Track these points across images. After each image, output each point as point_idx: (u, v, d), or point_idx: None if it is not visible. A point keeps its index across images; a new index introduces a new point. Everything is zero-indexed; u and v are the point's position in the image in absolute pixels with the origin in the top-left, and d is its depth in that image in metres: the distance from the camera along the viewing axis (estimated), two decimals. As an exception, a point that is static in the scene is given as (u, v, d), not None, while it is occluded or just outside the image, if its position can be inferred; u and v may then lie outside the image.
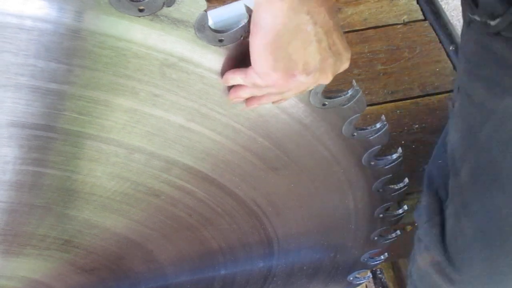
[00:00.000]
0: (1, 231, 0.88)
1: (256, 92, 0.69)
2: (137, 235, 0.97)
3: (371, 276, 1.41)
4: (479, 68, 0.81)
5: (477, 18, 0.76)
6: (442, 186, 1.01)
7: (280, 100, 0.73)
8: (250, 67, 0.65)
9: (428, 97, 1.53)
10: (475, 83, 0.82)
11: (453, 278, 0.95)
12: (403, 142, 1.41)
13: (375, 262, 1.31)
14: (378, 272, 1.45)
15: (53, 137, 0.73)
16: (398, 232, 1.20)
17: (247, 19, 0.66)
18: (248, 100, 0.73)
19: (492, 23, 0.73)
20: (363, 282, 1.39)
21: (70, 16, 0.60)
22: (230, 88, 0.72)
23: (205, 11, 0.63)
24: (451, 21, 1.69)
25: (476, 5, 0.74)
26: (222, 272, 1.16)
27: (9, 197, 0.81)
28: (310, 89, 0.73)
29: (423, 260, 1.03)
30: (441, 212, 0.99)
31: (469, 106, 0.84)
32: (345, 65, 0.67)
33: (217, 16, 0.66)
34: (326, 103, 0.81)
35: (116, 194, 0.86)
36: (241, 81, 0.68)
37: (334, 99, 0.82)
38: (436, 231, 0.98)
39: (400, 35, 1.67)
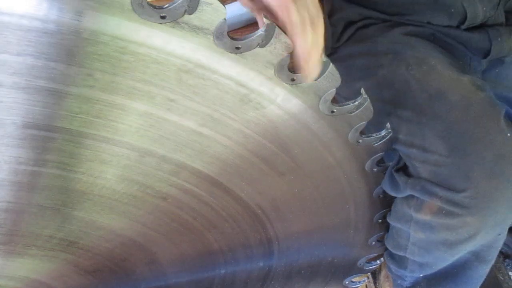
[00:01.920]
0: (8, 231, 0.88)
1: None
2: (142, 237, 0.98)
3: (371, 277, 1.43)
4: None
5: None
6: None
7: None
8: None
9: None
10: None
11: (461, 202, 0.92)
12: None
13: (371, 267, 1.33)
14: (378, 272, 1.47)
15: (67, 139, 0.74)
16: (395, 237, 1.21)
17: (265, 29, 0.68)
18: None
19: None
20: (358, 286, 1.41)
21: (93, 21, 0.60)
22: None
23: (225, 19, 0.65)
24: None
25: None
26: (222, 272, 1.17)
27: (20, 198, 0.81)
28: None
29: (423, 217, 0.99)
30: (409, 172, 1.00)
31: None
32: None
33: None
34: (335, 110, 0.83)
35: (124, 197, 0.87)
36: None
37: (343, 107, 0.84)
38: (424, 177, 0.96)
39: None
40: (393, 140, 0.98)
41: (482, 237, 0.97)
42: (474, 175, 0.90)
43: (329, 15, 1.08)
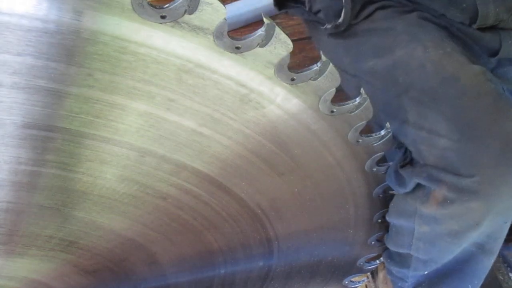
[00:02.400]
0: (8, 231, 0.88)
1: None
2: (141, 237, 0.98)
3: (370, 276, 1.43)
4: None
5: (328, 26, 1.11)
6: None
7: None
8: None
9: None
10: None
11: (466, 187, 0.92)
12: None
13: (371, 266, 1.33)
14: (376, 274, 1.47)
15: (67, 139, 0.74)
16: (395, 237, 1.21)
17: (265, 28, 0.68)
18: None
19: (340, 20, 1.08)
20: (358, 286, 1.41)
21: (93, 21, 0.61)
22: None
23: (225, 19, 0.65)
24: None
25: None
26: (222, 272, 1.17)
27: (20, 198, 0.81)
28: None
29: (429, 208, 1.00)
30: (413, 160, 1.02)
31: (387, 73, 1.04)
32: None
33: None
34: (334, 110, 0.83)
35: (124, 197, 0.87)
36: None
37: (343, 106, 0.84)
38: (431, 163, 0.97)
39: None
40: (403, 121, 0.99)
41: (487, 224, 0.98)
42: (481, 160, 0.91)
43: None
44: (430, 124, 0.95)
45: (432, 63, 0.98)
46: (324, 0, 1.14)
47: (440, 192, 0.96)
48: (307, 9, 1.22)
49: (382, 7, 1.10)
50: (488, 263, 1.10)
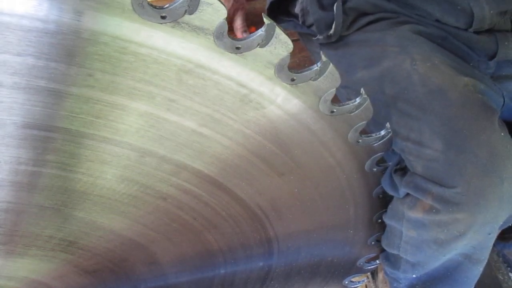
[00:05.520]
0: (8, 231, 0.88)
1: None
2: (142, 238, 0.98)
3: (370, 277, 1.43)
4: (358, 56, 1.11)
5: (320, 37, 1.15)
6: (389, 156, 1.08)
7: None
8: None
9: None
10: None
11: (451, 198, 0.92)
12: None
13: (371, 267, 1.33)
14: (376, 275, 1.47)
15: (67, 140, 0.74)
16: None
17: (265, 29, 0.68)
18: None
19: (331, 31, 1.11)
20: (358, 286, 1.41)
21: (93, 22, 0.61)
22: None
23: (225, 19, 0.65)
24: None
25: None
26: (222, 272, 1.17)
27: (20, 198, 0.81)
28: None
29: (415, 215, 1.00)
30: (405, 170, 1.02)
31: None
32: None
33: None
34: (335, 110, 0.83)
35: (124, 197, 0.87)
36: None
37: (343, 107, 0.84)
38: (418, 172, 0.97)
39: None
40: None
41: (472, 236, 0.98)
42: (467, 171, 0.91)
43: (343, 2, 1.10)
44: (417, 135, 0.95)
45: (419, 75, 0.98)
46: (317, 12, 1.15)
47: (426, 202, 0.96)
48: (300, 22, 1.23)
49: (375, 20, 1.11)
50: (477, 271, 1.11)
